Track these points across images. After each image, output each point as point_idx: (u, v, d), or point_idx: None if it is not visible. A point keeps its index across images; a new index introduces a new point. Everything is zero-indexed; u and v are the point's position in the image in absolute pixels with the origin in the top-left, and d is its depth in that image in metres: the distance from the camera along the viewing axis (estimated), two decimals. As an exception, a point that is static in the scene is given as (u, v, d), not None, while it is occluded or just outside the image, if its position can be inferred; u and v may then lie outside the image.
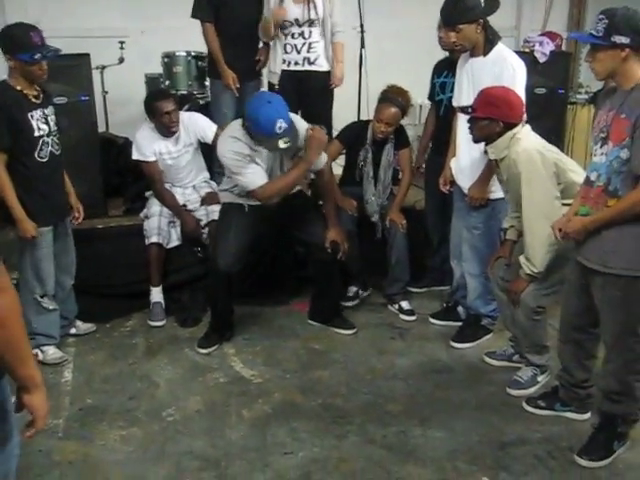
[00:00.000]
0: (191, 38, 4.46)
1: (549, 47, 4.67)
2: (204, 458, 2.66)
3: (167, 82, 4.79)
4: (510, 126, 2.86)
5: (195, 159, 4.04)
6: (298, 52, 4.16)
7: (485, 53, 3.17)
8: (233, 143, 3.27)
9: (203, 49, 4.59)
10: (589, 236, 2.46)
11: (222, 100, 4.30)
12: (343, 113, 4.53)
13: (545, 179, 2.82)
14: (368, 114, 4.31)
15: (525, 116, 3.13)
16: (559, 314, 2.80)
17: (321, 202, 3.82)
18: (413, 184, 4.13)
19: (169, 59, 4.79)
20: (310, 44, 4.15)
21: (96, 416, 2.95)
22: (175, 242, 3.93)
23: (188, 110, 4.29)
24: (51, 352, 3.38)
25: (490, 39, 3.16)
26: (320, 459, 2.65)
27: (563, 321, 2.78)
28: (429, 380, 3.25)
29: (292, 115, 3.28)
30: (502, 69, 3.10)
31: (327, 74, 4.24)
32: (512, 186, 2.94)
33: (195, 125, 3.94)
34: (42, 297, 3.27)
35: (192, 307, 3.93)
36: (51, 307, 3.32)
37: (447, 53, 3.77)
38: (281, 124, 3.07)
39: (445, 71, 3.75)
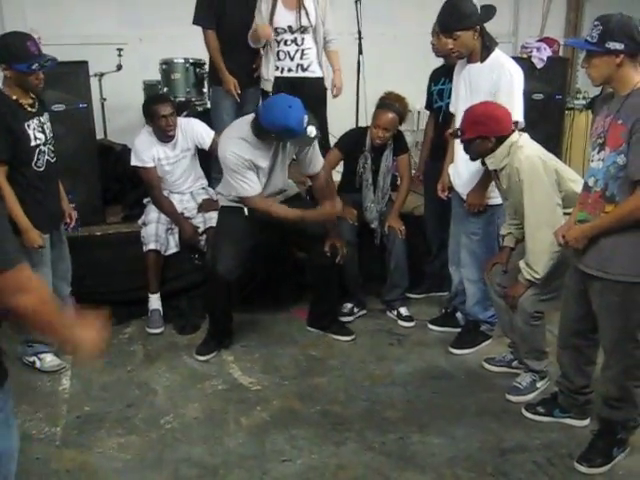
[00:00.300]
0: (189, 45, 4.48)
1: (546, 53, 4.68)
2: (202, 466, 2.65)
3: (165, 89, 4.80)
4: (502, 139, 2.88)
5: (192, 165, 4.05)
6: (291, 59, 4.17)
7: (482, 59, 3.18)
8: (237, 144, 3.27)
9: (201, 56, 4.61)
10: (589, 243, 2.46)
11: (222, 107, 4.30)
12: (341, 120, 4.53)
13: (547, 186, 2.82)
14: (366, 121, 4.32)
15: (523, 123, 3.14)
16: (558, 320, 2.80)
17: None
18: (411, 190, 4.13)
19: (167, 66, 4.80)
20: (303, 51, 4.16)
21: (94, 424, 2.94)
22: (173, 249, 3.93)
23: (186, 117, 4.30)
24: (49, 359, 3.37)
25: (487, 45, 3.17)
26: (319, 466, 2.64)
27: (562, 327, 2.77)
28: (428, 386, 3.25)
29: None
30: (499, 75, 3.11)
31: (320, 80, 4.26)
32: (513, 194, 2.94)
33: (193, 131, 3.95)
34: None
35: (190, 314, 3.93)
36: (49, 314, 3.31)
37: (442, 60, 3.79)
38: (306, 119, 3.15)
39: (442, 78, 3.76)
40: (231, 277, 3.42)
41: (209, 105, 4.72)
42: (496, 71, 3.12)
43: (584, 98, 5.54)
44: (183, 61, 4.78)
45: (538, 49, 4.67)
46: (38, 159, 3.08)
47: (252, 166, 3.30)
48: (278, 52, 4.17)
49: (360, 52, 4.77)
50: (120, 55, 5.05)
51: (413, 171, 4.25)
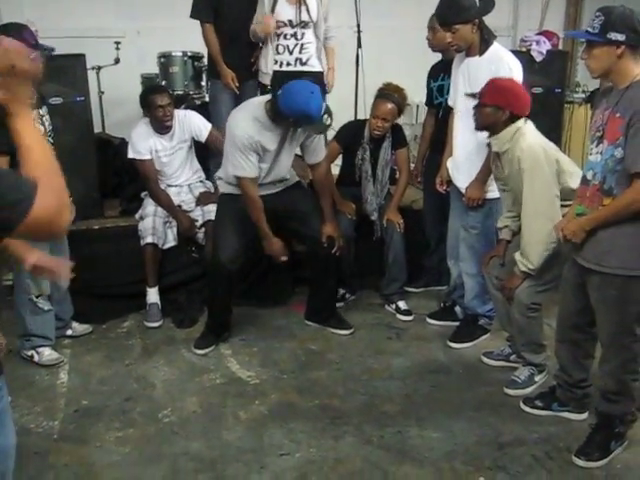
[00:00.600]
0: (187, 38, 4.46)
1: (546, 46, 4.66)
2: (200, 459, 2.65)
3: (163, 82, 4.77)
4: (515, 118, 2.87)
5: (189, 157, 4.05)
6: (290, 53, 4.15)
7: (481, 53, 3.17)
8: (250, 123, 3.28)
9: (199, 49, 4.59)
10: (587, 237, 2.45)
11: (221, 100, 4.29)
12: (340, 112, 4.48)
13: (548, 176, 2.81)
14: (365, 113, 4.31)
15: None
16: (556, 313, 2.80)
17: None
18: (410, 184, 4.12)
19: (165, 59, 4.78)
20: (302, 45, 4.14)
21: (92, 418, 2.93)
22: (171, 243, 3.93)
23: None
24: (47, 353, 3.37)
25: (486, 39, 3.16)
26: (317, 460, 2.64)
27: (560, 320, 2.77)
28: (426, 380, 3.25)
29: None
30: (498, 68, 3.10)
31: (320, 74, 4.23)
32: (513, 182, 2.94)
33: (190, 122, 3.95)
34: (37, 297, 3.26)
35: (189, 308, 3.92)
36: (46, 307, 3.31)
37: (440, 54, 3.77)
38: (324, 106, 3.21)
39: (441, 74, 3.75)
40: (233, 266, 3.41)
41: (207, 98, 4.72)
42: (495, 64, 3.11)
43: (583, 92, 5.52)
44: (181, 54, 4.77)
45: (537, 42, 4.65)
46: None
47: (259, 148, 3.30)
48: (277, 46, 4.15)
49: (359, 45, 4.76)
50: (118, 48, 5.02)
51: (412, 165, 4.24)
